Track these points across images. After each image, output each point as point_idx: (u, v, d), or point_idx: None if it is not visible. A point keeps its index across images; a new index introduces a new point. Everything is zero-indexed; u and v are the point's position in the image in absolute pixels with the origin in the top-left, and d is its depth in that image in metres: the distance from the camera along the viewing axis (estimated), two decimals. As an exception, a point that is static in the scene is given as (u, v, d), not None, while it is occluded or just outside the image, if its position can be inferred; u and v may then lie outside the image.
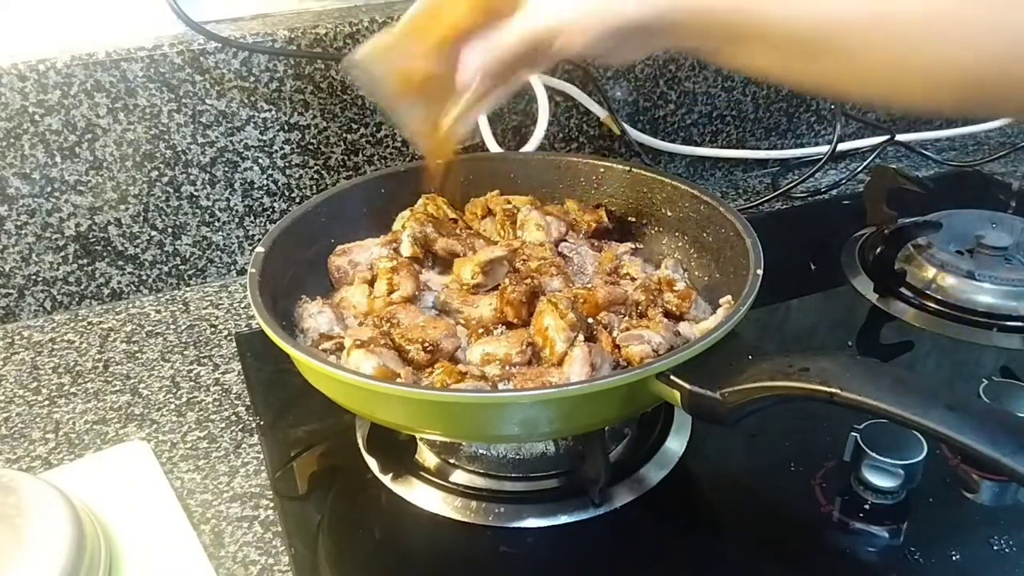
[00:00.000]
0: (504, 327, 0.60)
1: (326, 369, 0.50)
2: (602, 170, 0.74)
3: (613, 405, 0.52)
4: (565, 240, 0.70)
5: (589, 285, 0.64)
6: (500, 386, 0.54)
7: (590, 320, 0.60)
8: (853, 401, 0.44)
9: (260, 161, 0.84)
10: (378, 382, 0.50)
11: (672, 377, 0.49)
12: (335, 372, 0.50)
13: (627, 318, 0.61)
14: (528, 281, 0.60)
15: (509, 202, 0.72)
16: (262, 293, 0.56)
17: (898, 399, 0.44)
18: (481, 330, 0.60)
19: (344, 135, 0.86)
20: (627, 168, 0.73)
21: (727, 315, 0.54)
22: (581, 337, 0.56)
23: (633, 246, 0.71)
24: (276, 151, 0.84)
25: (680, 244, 0.70)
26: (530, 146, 0.85)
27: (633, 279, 0.65)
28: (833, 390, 0.45)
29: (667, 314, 0.61)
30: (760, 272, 0.57)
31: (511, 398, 0.51)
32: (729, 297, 0.61)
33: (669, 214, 0.71)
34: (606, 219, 0.71)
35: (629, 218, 0.73)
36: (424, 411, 0.51)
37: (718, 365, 0.50)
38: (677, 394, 0.49)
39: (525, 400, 0.50)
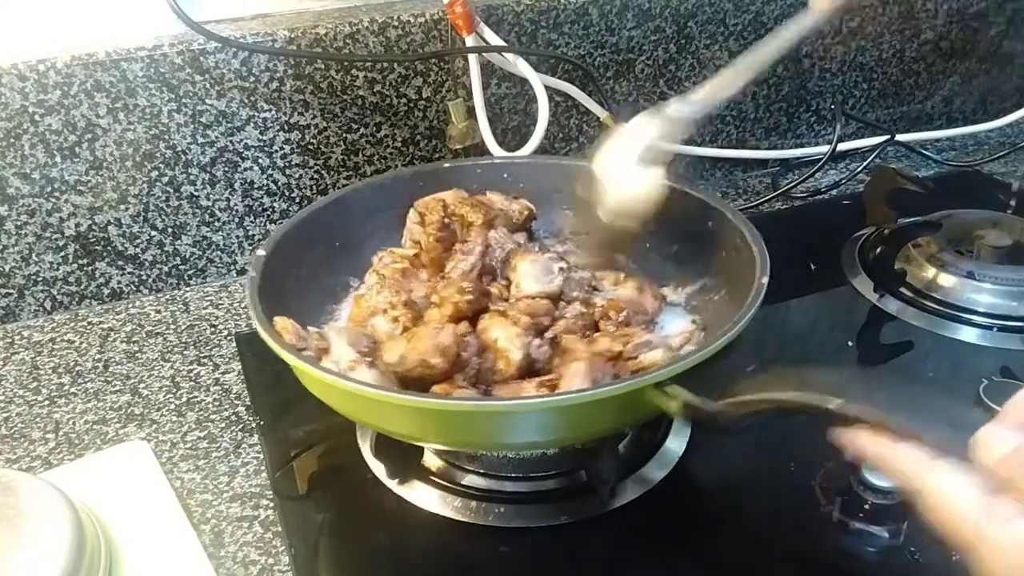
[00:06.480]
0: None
1: (323, 376, 0.50)
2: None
3: (612, 414, 0.51)
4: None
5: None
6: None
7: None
8: (857, 416, 0.44)
9: (260, 161, 0.84)
10: (377, 390, 0.50)
11: (671, 387, 0.49)
12: (331, 379, 0.50)
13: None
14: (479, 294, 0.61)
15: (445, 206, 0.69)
16: (262, 297, 0.56)
17: (905, 416, 0.43)
18: None
19: (344, 135, 0.86)
20: (627, 168, 0.73)
21: (730, 325, 0.52)
22: (537, 341, 0.56)
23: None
24: (276, 151, 0.84)
25: (679, 245, 0.70)
26: (530, 146, 0.85)
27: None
28: (835, 404, 0.44)
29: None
30: (766, 280, 0.56)
31: (513, 407, 0.51)
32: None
33: (669, 214, 0.70)
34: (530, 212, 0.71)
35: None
36: (425, 420, 0.51)
37: (718, 375, 0.49)
38: (675, 405, 0.48)
39: (524, 409, 0.50)
